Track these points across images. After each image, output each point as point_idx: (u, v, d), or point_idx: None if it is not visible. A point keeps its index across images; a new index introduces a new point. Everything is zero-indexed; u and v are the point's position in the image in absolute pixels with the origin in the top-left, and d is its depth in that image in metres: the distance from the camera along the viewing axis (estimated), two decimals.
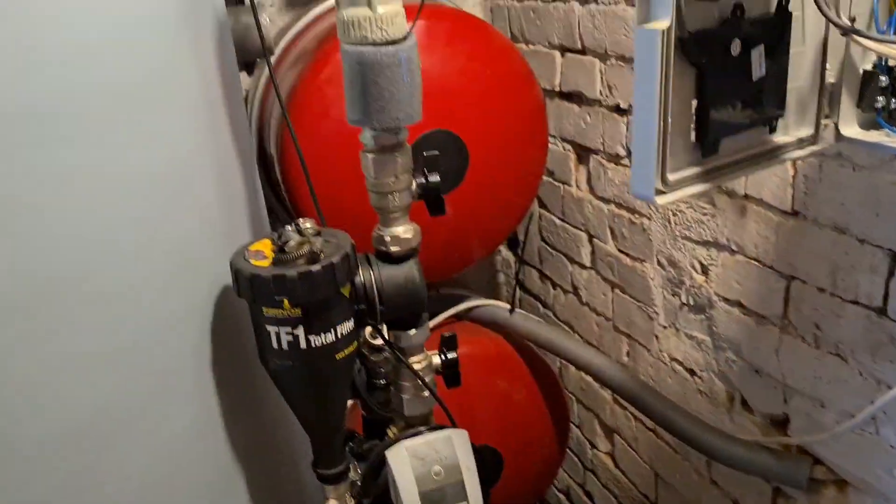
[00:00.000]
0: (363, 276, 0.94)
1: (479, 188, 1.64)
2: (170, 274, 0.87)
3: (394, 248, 0.94)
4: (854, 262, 1.14)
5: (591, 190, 1.90)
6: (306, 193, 1.50)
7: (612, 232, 1.84)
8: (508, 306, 1.87)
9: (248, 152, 1.07)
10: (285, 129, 1.50)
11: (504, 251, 2.55)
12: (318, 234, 0.91)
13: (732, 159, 0.81)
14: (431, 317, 1.95)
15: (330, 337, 0.87)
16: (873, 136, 0.85)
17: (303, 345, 0.86)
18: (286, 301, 0.83)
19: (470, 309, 1.91)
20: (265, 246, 0.89)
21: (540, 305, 2.37)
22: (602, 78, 1.74)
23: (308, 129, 1.48)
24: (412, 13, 0.89)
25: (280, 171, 1.57)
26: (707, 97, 0.76)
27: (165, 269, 0.86)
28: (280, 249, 0.86)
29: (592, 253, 1.97)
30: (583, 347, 1.77)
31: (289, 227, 0.89)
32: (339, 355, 0.89)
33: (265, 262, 0.86)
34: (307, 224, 0.90)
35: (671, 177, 0.76)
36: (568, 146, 1.97)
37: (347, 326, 0.90)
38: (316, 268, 0.83)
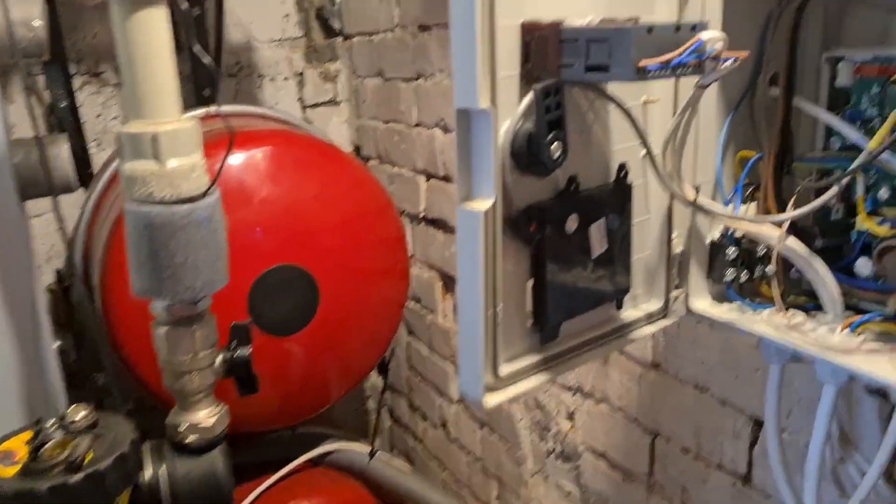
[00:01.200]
0: (151, 473, 0.77)
1: (333, 323, 1.50)
2: None
3: (191, 439, 0.78)
4: (717, 424, 1.06)
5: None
6: (128, 337, 1.32)
7: None
8: (368, 449, 1.71)
9: (28, 309, 0.90)
10: (104, 263, 1.33)
11: (374, 376, 2.40)
12: (94, 425, 0.74)
13: (576, 342, 0.72)
14: (283, 462, 1.76)
15: None
16: (724, 311, 0.79)
17: None
18: None
19: (326, 454, 1.73)
20: (20, 443, 0.72)
21: (410, 438, 2.21)
22: None
23: None
24: (223, 145, 0.78)
25: (101, 310, 1.38)
26: (543, 279, 0.66)
27: None
28: (33, 453, 0.69)
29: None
30: (445, 501, 1.62)
31: (52, 421, 0.72)
32: None
33: (13, 470, 0.68)
34: (80, 414, 0.74)
35: (504, 369, 0.66)
36: (434, 273, 1.88)
37: None
38: (75, 479, 0.67)
